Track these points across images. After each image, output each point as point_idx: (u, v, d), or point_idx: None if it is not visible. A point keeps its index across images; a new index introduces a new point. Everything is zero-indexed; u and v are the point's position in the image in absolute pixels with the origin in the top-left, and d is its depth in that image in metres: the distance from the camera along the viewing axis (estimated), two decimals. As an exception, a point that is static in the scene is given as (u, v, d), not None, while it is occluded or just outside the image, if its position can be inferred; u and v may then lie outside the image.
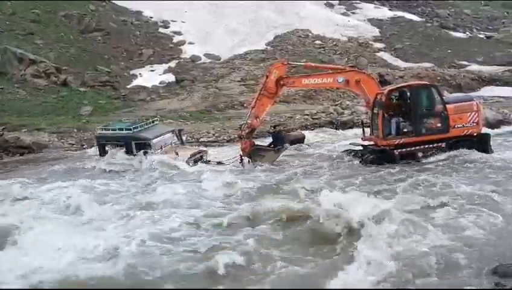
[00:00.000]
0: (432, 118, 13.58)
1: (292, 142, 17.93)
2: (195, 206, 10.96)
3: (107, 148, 16.61)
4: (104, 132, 17.04)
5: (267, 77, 15.07)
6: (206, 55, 40.80)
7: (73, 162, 17.76)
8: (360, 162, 14.07)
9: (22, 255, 8.46)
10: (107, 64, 36.56)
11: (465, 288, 6.49)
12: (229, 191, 12.00)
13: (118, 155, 16.01)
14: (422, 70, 34.61)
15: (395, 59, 40.21)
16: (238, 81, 34.97)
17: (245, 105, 28.03)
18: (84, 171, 15.80)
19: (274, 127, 17.83)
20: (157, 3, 45.15)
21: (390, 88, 14.47)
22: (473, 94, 28.38)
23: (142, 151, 15.83)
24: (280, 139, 15.94)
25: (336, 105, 26.09)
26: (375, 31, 45.45)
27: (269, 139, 16.74)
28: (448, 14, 49.86)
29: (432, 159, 13.37)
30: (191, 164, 15.32)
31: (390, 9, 50.08)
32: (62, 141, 22.81)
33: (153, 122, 17.45)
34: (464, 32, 45.82)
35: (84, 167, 16.44)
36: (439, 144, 13.55)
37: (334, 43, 42.23)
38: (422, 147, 13.56)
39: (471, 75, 34.50)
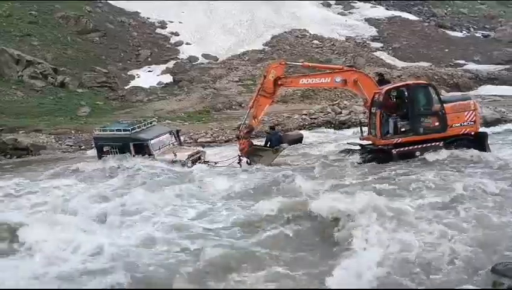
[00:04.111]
0: (430, 117, 13.58)
1: (290, 142, 17.91)
2: (193, 207, 10.96)
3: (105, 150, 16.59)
4: (101, 133, 17.00)
5: (264, 77, 15.07)
6: (204, 55, 40.82)
7: (71, 164, 17.69)
8: (358, 161, 14.07)
9: (25, 257, 8.46)
10: (104, 65, 36.54)
11: (463, 287, 6.50)
12: (227, 191, 11.99)
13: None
14: (419, 70, 34.73)
15: (392, 58, 40.33)
16: (236, 81, 35.05)
17: (243, 105, 28.08)
18: (82, 172, 15.74)
19: (271, 128, 17.81)
20: (154, 4, 45.15)
21: (388, 87, 14.46)
22: (470, 93, 28.61)
23: (140, 152, 15.82)
24: (275, 139, 15.87)
25: (334, 105, 26.15)
26: (373, 31, 45.56)
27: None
28: (445, 14, 50.02)
29: (429, 158, 13.37)
30: (189, 165, 15.31)
31: (387, 9, 50.18)
32: (60, 142, 22.78)
33: (150, 123, 17.42)
34: (461, 32, 45.98)
35: (82, 168, 16.37)
36: (437, 143, 13.57)
37: (332, 42, 42.31)
38: (419, 146, 13.58)
39: (469, 74, 34.62)
